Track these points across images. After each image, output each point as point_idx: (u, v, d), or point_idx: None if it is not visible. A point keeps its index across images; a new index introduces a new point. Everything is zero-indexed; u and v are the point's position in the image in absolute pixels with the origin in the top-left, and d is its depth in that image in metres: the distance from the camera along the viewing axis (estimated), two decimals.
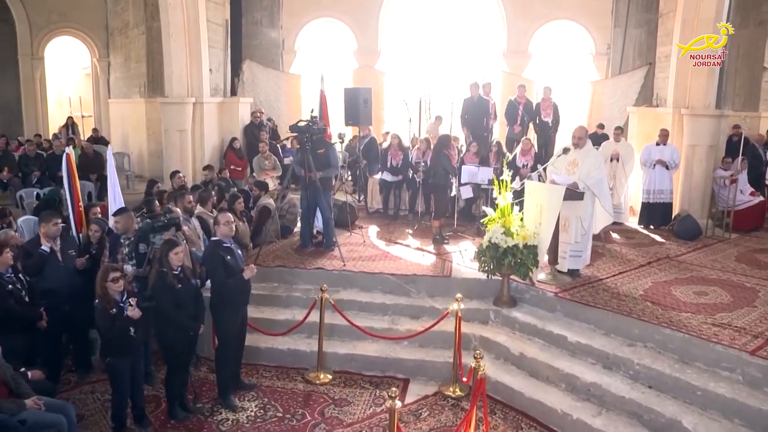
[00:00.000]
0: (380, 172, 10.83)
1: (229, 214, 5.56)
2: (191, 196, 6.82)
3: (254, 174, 10.75)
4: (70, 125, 16.19)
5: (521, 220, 6.72)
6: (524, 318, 6.53)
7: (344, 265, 7.56)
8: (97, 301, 4.91)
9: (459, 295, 5.92)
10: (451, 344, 6.42)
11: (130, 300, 5.03)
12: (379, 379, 6.30)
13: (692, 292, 6.71)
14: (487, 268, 6.66)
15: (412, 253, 8.24)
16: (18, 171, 11.67)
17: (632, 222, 10.46)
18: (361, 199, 11.59)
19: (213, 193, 7.60)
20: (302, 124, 7.67)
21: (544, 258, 6.84)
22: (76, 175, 6.59)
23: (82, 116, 18.47)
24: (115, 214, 5.97)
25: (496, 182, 6.67)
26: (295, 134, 7.73)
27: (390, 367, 6.39)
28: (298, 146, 7.96)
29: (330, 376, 6.30)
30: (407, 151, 10.87)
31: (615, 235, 9.54)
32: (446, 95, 12.44)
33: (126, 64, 16.13)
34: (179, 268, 5.29)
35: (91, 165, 12.06)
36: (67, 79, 19.73)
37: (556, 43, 14.39)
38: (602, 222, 7.25)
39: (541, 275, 7.04)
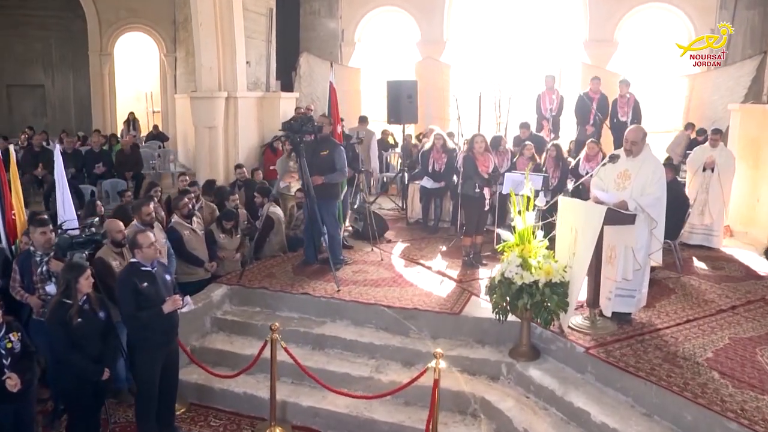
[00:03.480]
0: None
1: (150, 234, 4.45)
2: (151, 206, 5.85)
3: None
4: (132, 121, 16.09)
5: (546, 248, 5.15)
6: (542, 379, 4.96)
7: (338, 290, 6.31)
8: None
9: (439, 350, 4.45)
10: (444, 404, 5.03)
11: (10, 335, 4.07)
12: None
13: None
14: (498, 309, 5.16)
15: (429, 279, 6.83)
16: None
17: (727, 246, 8.37)
18: (403, 207, 10.28)
19: (186, 199, 6.59)
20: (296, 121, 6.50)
21: (578, 298, 5.25)
22: (5, 180, 5.75)
23: (153, 112, 18.52)
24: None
25: (513, 197, 5.15)
26: (287, 134, 6.57)
27: (360, 429, 5.06)
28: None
29: None
30: (452, 154, 9.39)
31: (699, 264, 7.59)
32: (507, 90, 10.78)
33: (186, 59, 15.73)
34: (84, 298, 4.29)
35: (127, 163, 11.58)
36: (144, 74, 19.86)
37: (647, 29, 12.26)
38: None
39: (576, 318, 5.43)
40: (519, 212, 5.09)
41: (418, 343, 5.66)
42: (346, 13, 14.39)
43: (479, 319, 5.70)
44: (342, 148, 7.01)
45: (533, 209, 5.15)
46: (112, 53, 17.10)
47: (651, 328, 5.39)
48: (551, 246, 5.34)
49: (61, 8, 17.15)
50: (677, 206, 7.26)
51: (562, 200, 5.43)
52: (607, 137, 10.09)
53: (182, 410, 5.42)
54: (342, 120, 8.47)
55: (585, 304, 5.48)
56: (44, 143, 11.83)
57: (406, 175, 10.19)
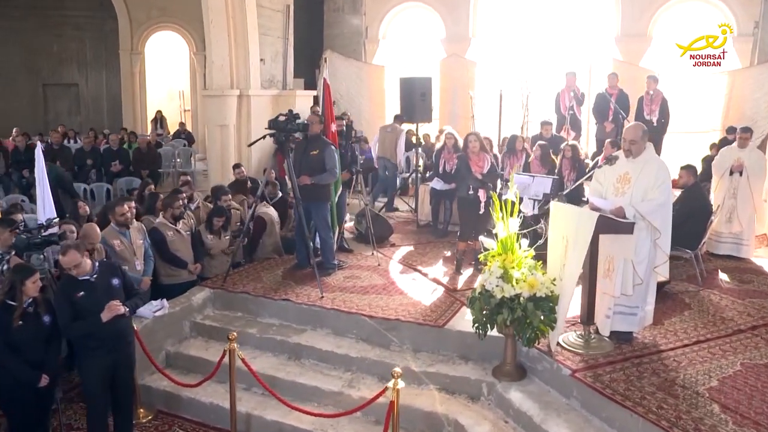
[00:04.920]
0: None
1: (75, 255, 4.12)
2: (126, 206, 5.66)
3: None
4: (159, 119, 16.21)
5: (532, 257, 4.70)
6: (522, 402, 4.51)
7: (321, 297, 5.99)
8: None
9: (397, 369, 4.07)
10: (417, 425, 4.70)
11: None
12: None
13: None
14: (478, 323, 4.73)
15: (422, 286, 6.44)
16: (72, 165, 11.48)
17: (760, 257, 7.65)
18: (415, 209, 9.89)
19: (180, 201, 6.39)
20: (282, 119, 6.22)
21: (567, 315, 4.78)
22: None
23: (185, 110, 18.64)
24: None
25: (496, 200, 4.70)
26: (273, 132, 6.28)
27: None
28: (277, 146, 6.49)
29: None
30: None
31: (723, 276, 6.93)
32: (530, 88, 10.24)
33: None
34: (30, 301, 4.11)
35: (144, 161, 11.59)
36: (176, 73, 20.02)
37: (685, 23, 11.48)
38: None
39: (570, 336, 4.95)
40: (502, 218, 4.66)
41: (397, 356, 5.28)
42: (370, 9, 14.11)
43: (463, 333, 5.26)
44: (333, 147, 6.68)
45: (518, 215, 4.68)
46: (143, 52, 17.25)
47: (652, 349, 4.85)
48: (542, 256, 4.89)
49: (95, 8, 17.43)
50: (698, 213, 6.67)
51: (554, 206, 4.96)
52: None
53: (149, 417, 5.24)
54: (343, 118, 8.15)
55: (579, 321, 4.99)
56: (64, 141, 11.99)
57: (417, 175, 9.81)
